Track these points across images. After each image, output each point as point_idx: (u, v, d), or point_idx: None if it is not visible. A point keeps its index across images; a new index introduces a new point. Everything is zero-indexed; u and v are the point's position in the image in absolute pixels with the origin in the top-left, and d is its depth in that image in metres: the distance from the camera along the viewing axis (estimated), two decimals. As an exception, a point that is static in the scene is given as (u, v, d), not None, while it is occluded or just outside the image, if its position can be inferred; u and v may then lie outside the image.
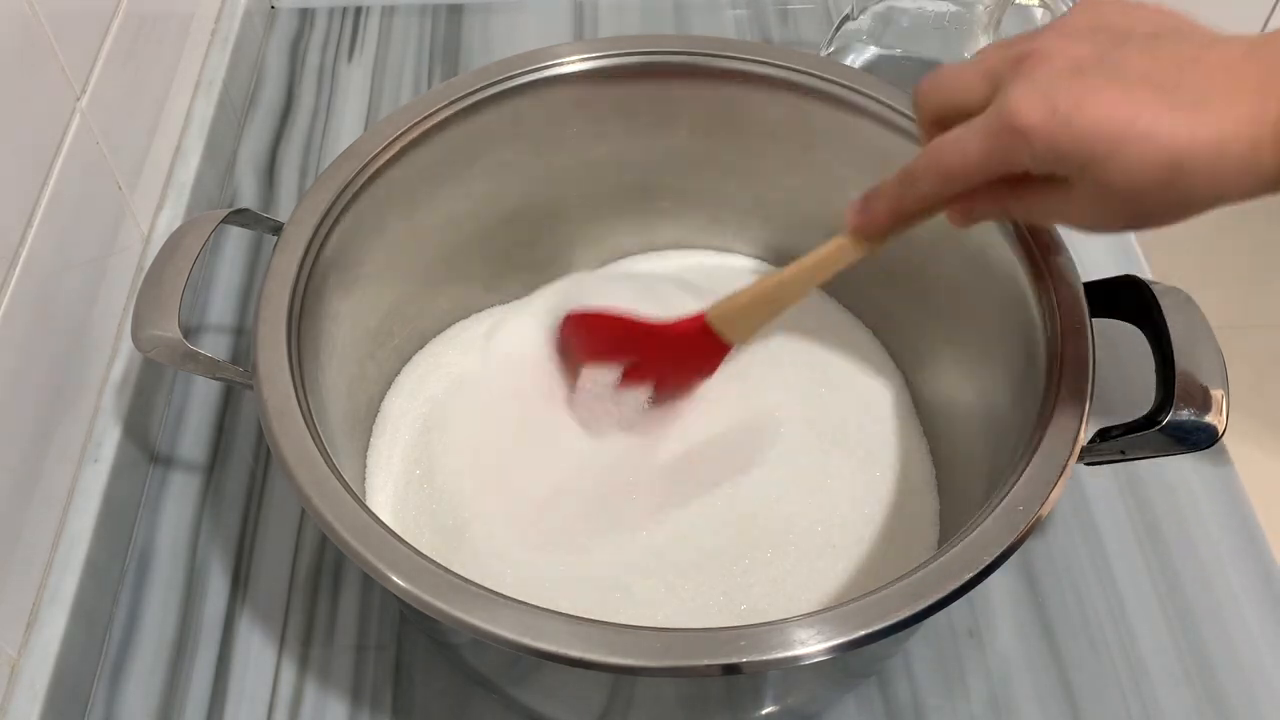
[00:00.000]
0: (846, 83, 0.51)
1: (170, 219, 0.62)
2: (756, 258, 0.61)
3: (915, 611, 0.35)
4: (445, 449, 0.52)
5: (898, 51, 0.64)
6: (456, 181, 0.53)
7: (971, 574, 0.36)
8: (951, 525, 0.49)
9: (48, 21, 0.49)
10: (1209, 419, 0.40)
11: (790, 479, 0.50)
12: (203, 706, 0.50)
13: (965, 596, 0.35)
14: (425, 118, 0.49)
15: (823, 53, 0.67)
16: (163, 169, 0.63)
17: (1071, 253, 0.44)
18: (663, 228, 0.61)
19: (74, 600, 0.49)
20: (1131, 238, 0.66)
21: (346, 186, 0.47)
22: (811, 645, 0.34)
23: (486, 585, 0.36)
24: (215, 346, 0.62)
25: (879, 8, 0.64)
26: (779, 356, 0.54)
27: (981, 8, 0.62)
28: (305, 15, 0.80)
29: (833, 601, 0.41)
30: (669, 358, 0.50)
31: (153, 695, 0.50)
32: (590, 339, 0.52)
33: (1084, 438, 0.40)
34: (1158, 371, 0.42)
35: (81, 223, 0.53)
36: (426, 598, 0.35)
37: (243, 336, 0.63)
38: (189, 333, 0.57)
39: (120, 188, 0.57)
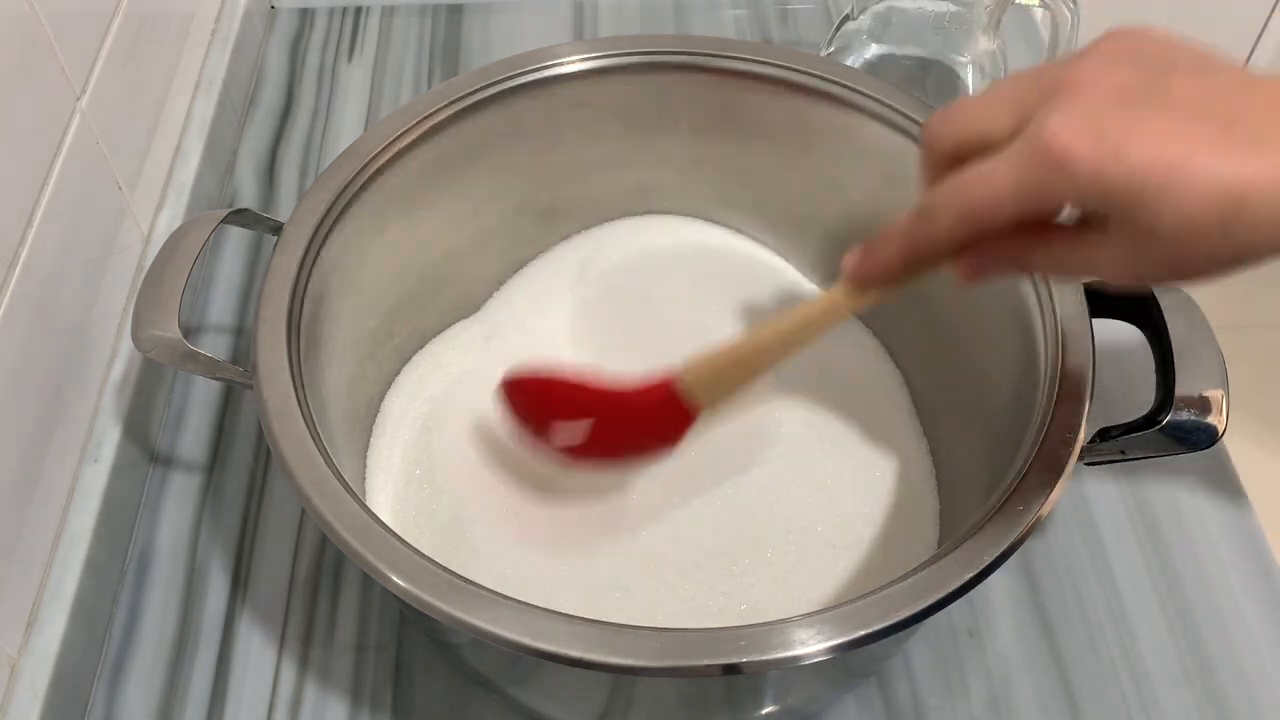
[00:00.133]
0: (846, 83, 0.51)
1: (170, 219, 0.62)
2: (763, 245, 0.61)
3: (915, 611, 0.35)
4: (445, 449, 0.52)
5: (898, 51, 0.64)
6: (456, 181, 0.53)
7: (971, 574, 0.36)
8: (951, 525, 0.49)
9: (48, 21, 0.49)
10: (1209, 419, 0.40)
11: (790, 479, 0.50)
12: (203, 706, 0.50)
13: (965, 596, 0.35)
14: (425, 118, 0.49)
15: (823, 53, 0.67)
16: (163, 169, 0.63)
17: (1071, 253, 0.44)
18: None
19: (74, 600, 0.49)
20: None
21: (346, 186, 0.47)
22: (811, 645, 0.34)
23: (486, 585, 0.36)
24: (215, 346, 0.62)
25: (879, 8, 0.64)
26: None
27: (981, 8, 0.61)
28: (305, 15, 0.80)
29: (833, 601, 0.41)
30: (627, 424, 0.46)
31: (153, 695, 0.50)
32: (541, 405, 0.48)
33: (1084, 438, 0.40)
34: (1158, 371, 0.42)
35: (81, 223, 0.53)
36: (426, 598, 0.35)
37: (243, 336, 0.63)
38: (189, 333, 0.57)
39: (120, 188, 0.57)
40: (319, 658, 0.51)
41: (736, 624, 0.35)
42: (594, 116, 0.54)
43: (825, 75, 0.51)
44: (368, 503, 0.44)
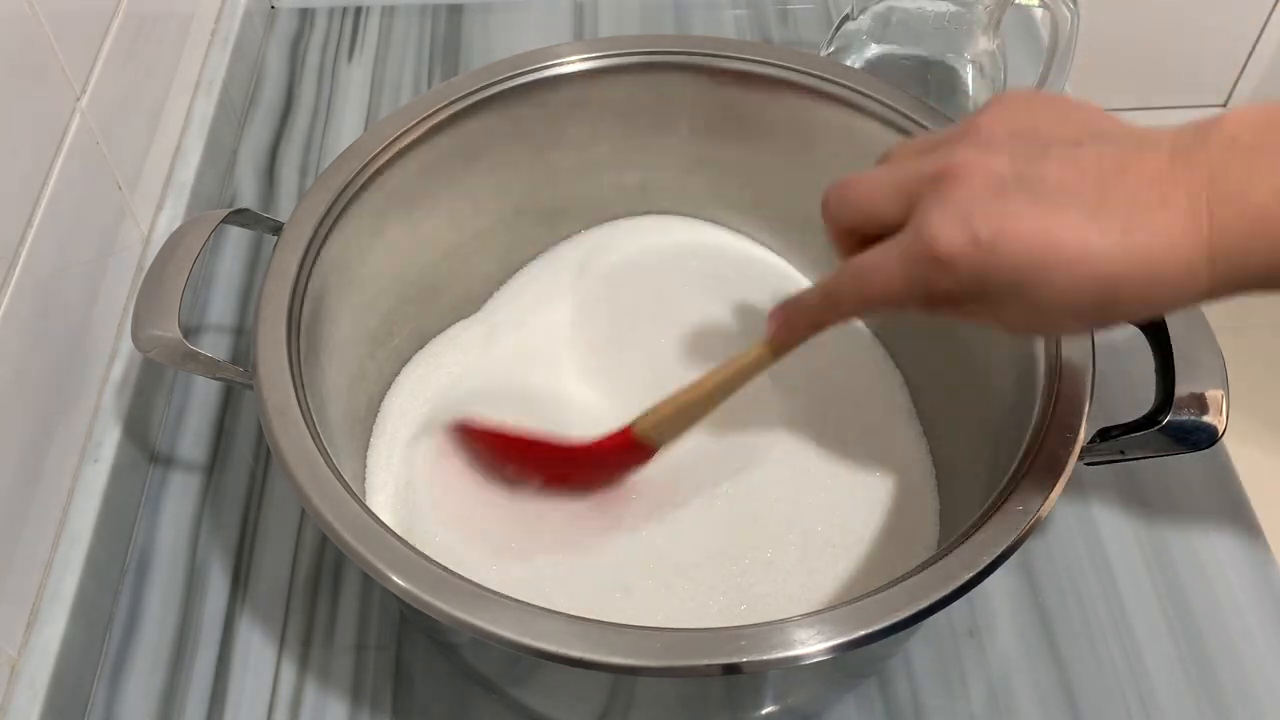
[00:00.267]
0: (846, 83, 0.51)
1: (170, 219, 0.62)
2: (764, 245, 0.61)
3: (915, 611, 0.35)
4: (446, 449, 0.52)
5: (898, 51, 0.64)
6: (456, 181, 0.53)
7: (971, 574, 0.36)
8: (951, 525, 0.49)
9: (48, 21, 0.49)
10: (1209, 419, 0.40)
11: (790, 479, 0.50)
12: (203, 706, 0.50)
13: (965, 596, 0.35)
14: (425, 118, 0.49)
15: (823, 53, 0.67)
16: (163, 169, 0.63)
17: (1071, 253, 0.44)
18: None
19: (74, 600, 0.49)
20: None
21: (346, 186, 0.47)
22: (811, 645, 0.34)
23: (486, 585, 0.36)
24: (215, 346, 0.62)
25: (879, 8, 0.64)
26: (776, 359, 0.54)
27: (981, 8, 0.61)
28: (305, 15, 0.80)
29: (833, 601, 0.41)
30: (589, 469, 0.49)
31: (153, 695, 0.50)
32: (497, 457, 0.50)
33: (1084, 438, 0.40)
34: (1158, 371, 0.42)
35: (81, 223, 0.53)
36: (426, 598, 0.35)
37: (243, 336, 0.63)
38: (189, 333, 0.57)
39: (120, 188, 0.57)
40: (319, 658, 0.51)
41: (736, 624, 0.35)
42: (594, 116, 0.54)
43: (825, 75, 0.51)
44: (368, 503, 0.44)
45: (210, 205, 0.67)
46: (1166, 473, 0.57)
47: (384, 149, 0.48)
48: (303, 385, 0.42)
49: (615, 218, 0.60)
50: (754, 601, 0.47)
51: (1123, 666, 0.51)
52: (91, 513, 0.51)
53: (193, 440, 0.58)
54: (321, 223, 0.46)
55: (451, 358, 0.56)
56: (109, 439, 0.53)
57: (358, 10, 0.80)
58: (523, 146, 0.54)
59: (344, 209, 0.47)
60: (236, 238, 0.67)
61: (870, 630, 0.35)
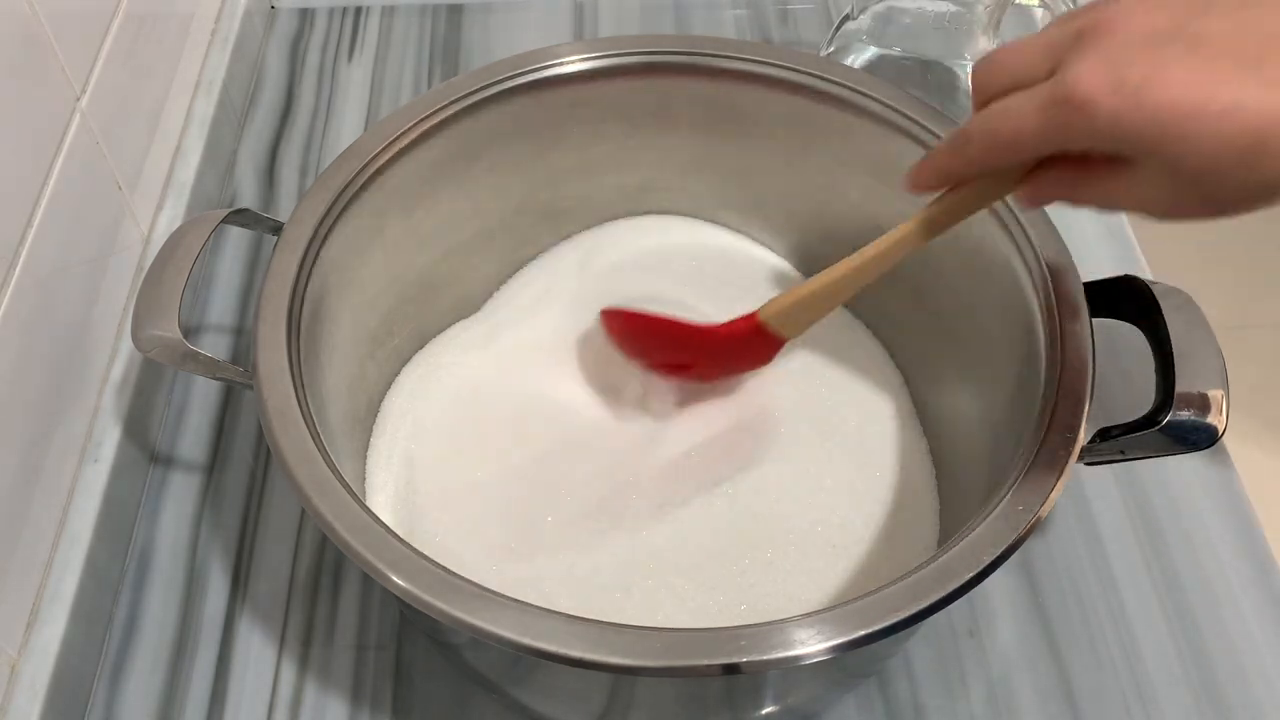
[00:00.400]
0: (846, 83, 0.51)
1: (170, 219, 0.62)
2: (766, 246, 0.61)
3: (915, 611, 0.35)
4: (445, 450, 0.52)
5: (898, 51, 0.64)
6: (456, 181, 0.53)
7: (971, 574, 0.36)
8: (951, 525, 0.49)
9: (48, 21, 0.49)
10: (1209, 419, 0.40)
11: (790, 479, 0.50)
12: (203, 706, 0.50)
13: (965, 596, 0.35)
14: (425, 118, 0.49)
15: (823, 53, 0.67)
16: (163, 169, 0.63)
17: (1071, 253, 0.44)
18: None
19: (74, 600, 0.49)
20: (1132, 237, 0.66)
21: (346, 186, 0.47)
22: (811, 645, 0.34)
23: (486, 585, 0.36)
24: (215, 346, 0.62)
25: (879, 8, 0.64)
26: (779, 356, 0.54)
27: (981, 8, 0.61)
28: (305, 15, 0.80)
29: (833, 601, 0.41)
30: (720, 356, 0.50)
31: (153, 695, 0.50)
32: (636, 339, 0.52)
33: (1084, 438, 0.40)
34: (1158, 371, 0.42)
35: (81, 223, 0.53)
36: (426, 598, 0.35)
37: (243, 336, 0.63)
38: (189, 333, 0.57)
39: (120, 188, 0.57)
40: (319, 658, 0.51)
41: (736, 624, 0.35)
42: (594, 116, 0.54)
43: (825, 75, 0.51)
44: (368, 503, 0.44)
45: (210, 205, 0.67)
46: (1166, 473, 0.57)
47: (384, 149, 0.48)
48: (303, 385, 0.42)
49: (615, 218, 0.60)
50: (754, 601, 0.47)
51: (1123, 666, 0.51)
52: (91, 513, 0.51)
53: (193, 440, 0.58)
54: (321, 223, 0.46)
55: (451, 358, 0.56)
56: (109, 439, 0.53)
57: (358, 10, 0.80)
58: (523, 146, 0.54)
59: (344, 209, 0.47)
60: (236, 238, 0.67)
61: (870, 630, 0.35)
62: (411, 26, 0.79)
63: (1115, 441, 0.41)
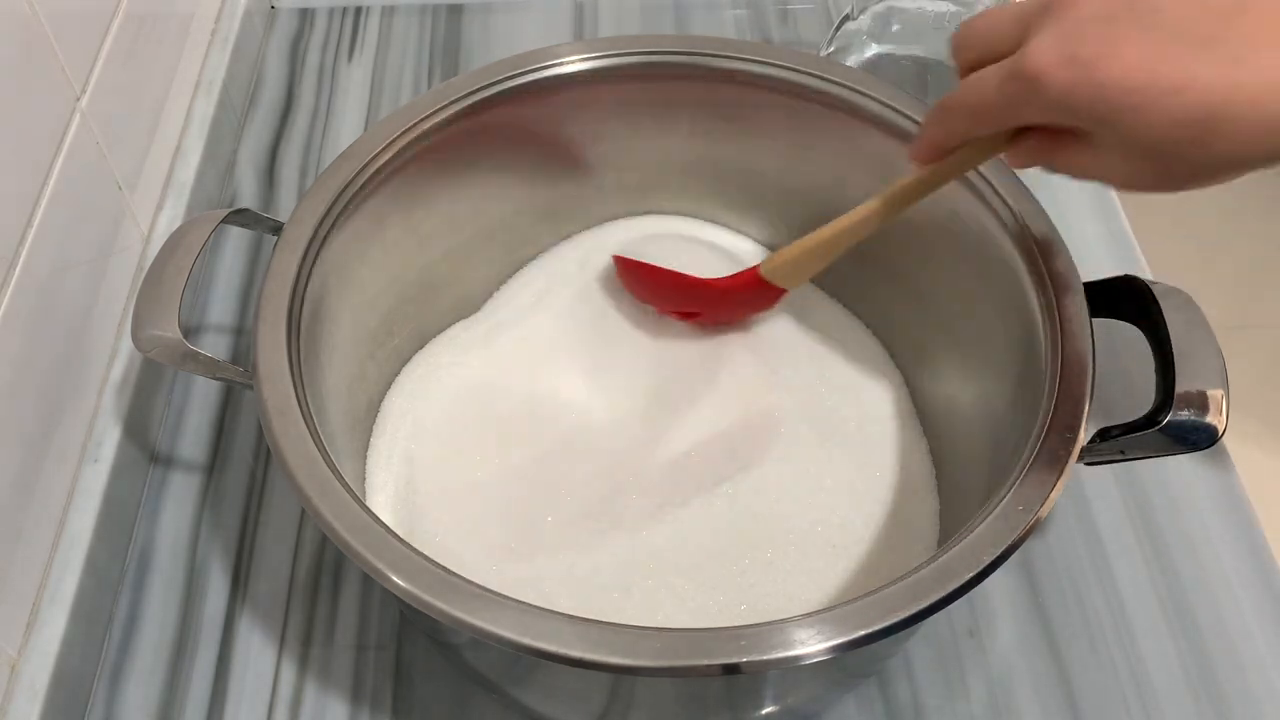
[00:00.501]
0: (846, 83, 0.51)
1: (170, 219, 0.62)
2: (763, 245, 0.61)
3: (915, 611, 0.35)
4: (445, 450, 0.52)
5: (898, 51, 0.64)
6: (456, 181, 0.53)
7: (971, 574, 0.36)
8: (951, 525, 0.49)
9: (48, 21, 0.49)
10: (1209, 419, 0.40)
11: (790, 479, 0.50)
12: (203, 706, 0.50)
13: (965, 596, 0.35)
14: (425, 118, 0.49)
15: (823, 53, 0.67)
16: (163, 169, 0.63)
17: (1071, 253, 0.44)
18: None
19: (74, 600, 0.49)
20: (1131, 237, 0.66)
21: (346, 186, 0.47)
22: (811, 645, 0.34)
23: (486, 585, 0.36)
24: (215, 346, 0.62)
25: (879, 8, 0.64)
26: (779, 356, 0.54)
27: (981, 8, 0.62)
28: (305, 15, 0.80)
29: (833, 601, 0.41)
30: (724, 305, 0.53)
31: (153, 695, 0.50)
32: (647, 285, 0.54)
33: (1084, 438, 0.40)
34: (1158, 371, 0.42)
35: (81, 223, 0.53)
36: (426, 598, 0.35)
37: (243, 336, 0.63)
38: (189, 333, 0.57)
39: (120, 188, 0.57)
40: (319, 658, 0.51)
41: (736, 624, 0.35)
42: (594, 116, 0.54)
43: (825, 75, 0.51)
44: (368, 503, 0.44)
45: (210, 205, 0.67)
46: (1166, 473, 0.57)
47: (384, 149, 0.48)
48: (303, 385, 0.42)
49: (615, 218, 0.60)
50: (754, 601, 0.47)
51: (1123, 666, 0.51)
52: (91, 513, 0.51)
53: (193, 440, 0.58)
54: (321, 223, 0.46)
55: (451, 358, 0.56)
56: (109, 439, 0.53)
57: (358, 10, 0.80)
58: (523, 146, 0.54)
59: (344, 209, 0.47)
60: (236, 238, 0.67)
61: (870, 630, 0.35)
62: (411, 26, 0.79)
63: (1115, 441, 0.41)
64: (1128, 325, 0.44)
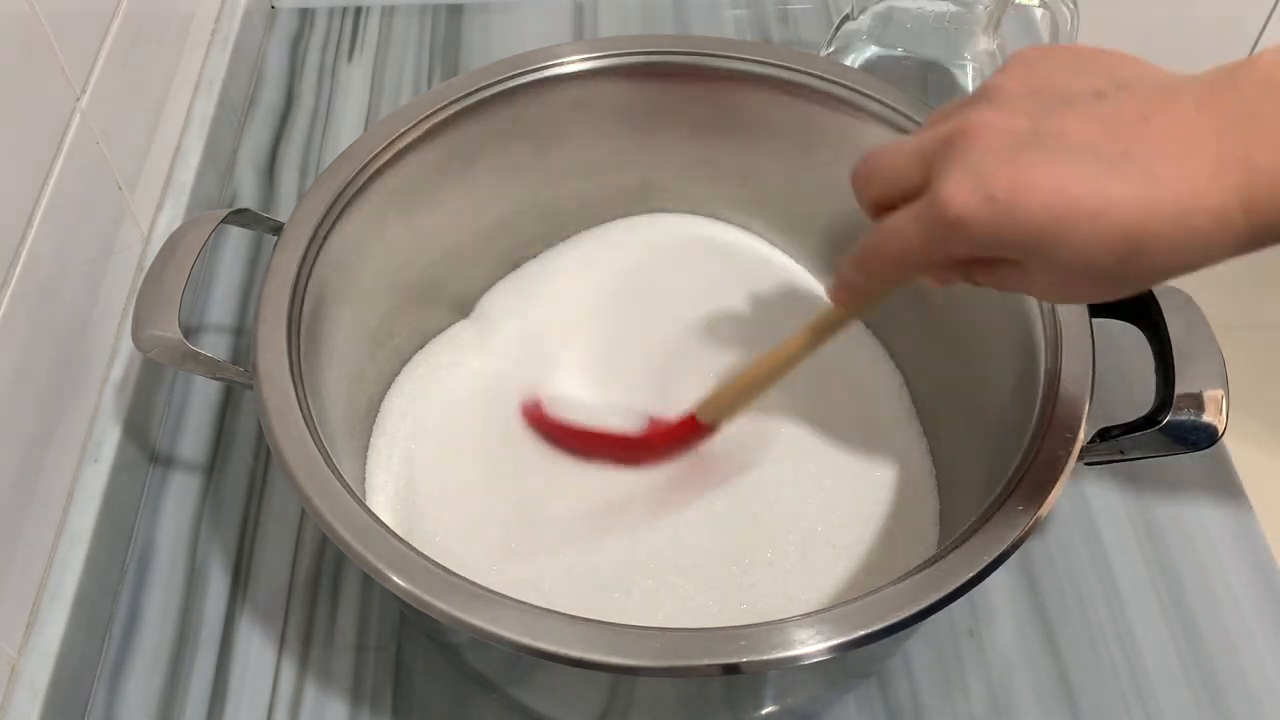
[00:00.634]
0: (846, 83, 0.51)
1: (170, 219, 0.62)
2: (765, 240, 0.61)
3: (915, 611, 0.35)
4: (445, 450, 0.52)
5: (898, 51, 0.64)
6: (456, 181, 0.53)
7: (971, 574, 0.36)
8: (951, 525, 0.49)
9: (48, 21, 0.49)
10: (1209, 419, 0.40)
11: (790, 479, 0.50)
12: (203, 706, 0.50)
13: (965, 596, 0.35)
14: (425, 118, 0.49)
15: (823, 53, 0.67)
16: (163, 169, 0.63)
17: (1071, 253, 0.44)
18: (663, 228, 0.61)
19: (74, 600, 0.49)
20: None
21: (346, 186, 0.47)
22: (811, 645, 0.34)
23: (486, 585, 0.36)
24: (215, 346, 0.62)
25: (879, 8, 0.64)
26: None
27: (981, 8, 0.61)
28: (305, 15, 0.80)
29: (833, 601, 0.41)
30: (656, 453, 0.51)
31: (153, 695, 0.50)
32: (573, 443, 0.52)
33: (1084, 438, 0.40)
34: (1158, 371, 0.42)
35: (81, 223, 0.53)
36: (426, 598, 0.35)
37: (243, 336, 0.63)
38: (189, 333, 0.57)
39: (120, 188, 0.57)
40: (319, 658, 0.51)
41: (736, 624, 0.35)
42: (594, 116, 0.54)
43: (825, 75, 0.51)
44: (368, 503, 0.44)
45: (210, 205, 0.67)
46: (1166, 473, 0.57)
47: (384, 149, 0.48)
48: (303, 385, 0.42)
49: (615, 218, 0.60)
50: (754, 601, 0.47)
51: (1123, 666, 0.51)
52: (91, 513, 0.51)
53: (193, 440, 0.58)
54: (321, 223, 0.46)
55: (451, 357, 0.56)
56: (109, 439, 0.53)
57: (358, 10, 0.80)
58: (523, 146, 0.54)
59: (344, 209, 0.47)
60: (236, 238, 0.67)
61: (870, 630, 0.35)
62: (411, 26, 0.79)
63: (1115, 441, 0.41)
64: (1128, 325, 0.44)
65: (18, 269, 0.46)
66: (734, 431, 0.51)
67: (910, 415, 0.54)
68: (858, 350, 0.56)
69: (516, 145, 0.53)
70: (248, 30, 0.75)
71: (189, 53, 0.68)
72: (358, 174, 0.48)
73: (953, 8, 0.62)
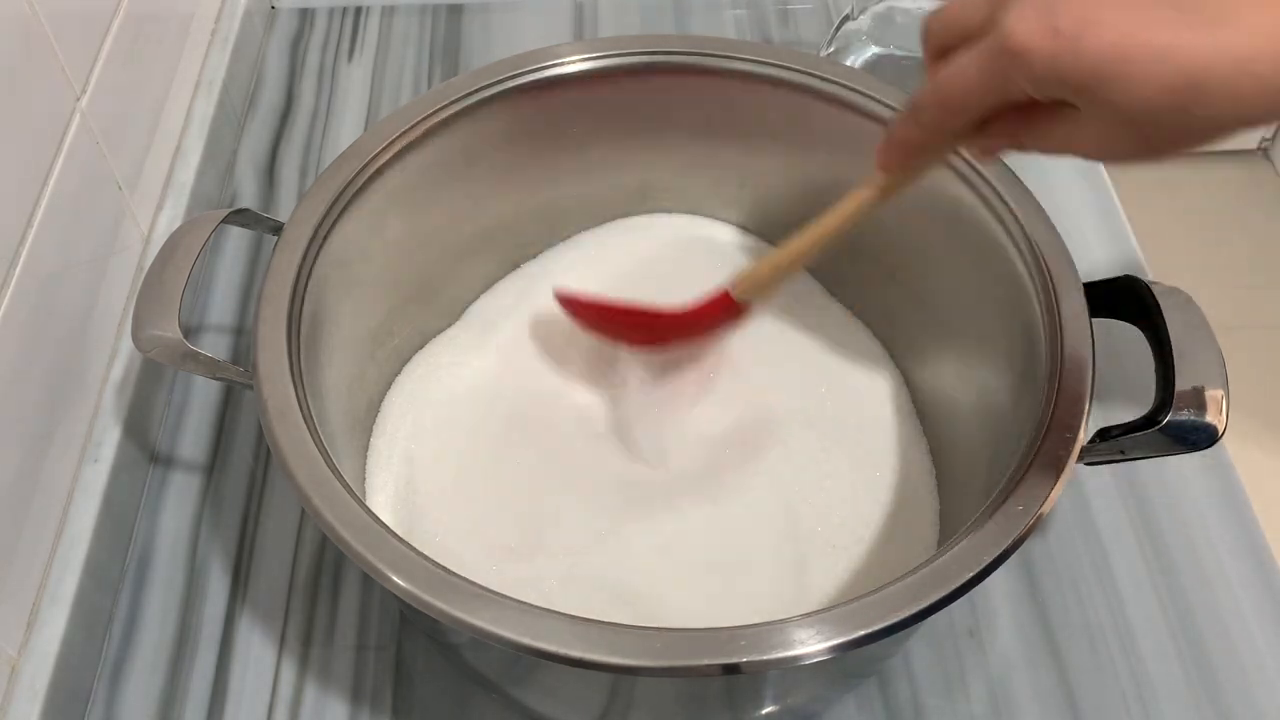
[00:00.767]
0: (846, 83, 0.51)
1: (170, 219, 0.62)
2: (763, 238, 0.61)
3: (915, 611, 0.35)
4: (445, 450, 0.52)
5: (898, 51, 0.64)
6: (456, 181, 0.53)
7: (971, 574, 0.36)
8: (951, 525, 0.49)
9: (48, 21, 0.49)
10: (1209, 419, 0.40)
11: (790, 479, 0.50)
12: (203, 706, 0.50)
13: (965, 596, 0.35)
14: (425, 118, 0.49)
15: (823, 53, 0.67)
16: (163, 169, 0.63)
17: (1071, 253, 0.44)
18: (663, 228, 0.61)
19: (74, 600, 0.49)
20: (1131, 238, 0.66)
21: (346, 186, 0.47)
22: (811, 645, 0.34)
23: (486, 585, 0.36)
24: (215, 346, 0.62)
25: (879, 8, 0.64)
26: (779, 356, 0.54)
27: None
28: (305, 15, 0.80)
29: (833, 601, 0.41)
30: (691, 333, 0.51)
31: (153, 695, 0.50)
32: (601, 324, 0.52)
33: (1084, 438, 0.40)
34: (1158, 371, 0.42)
35: (81, 223, 0.53)
36: (426, 598, 0.35)
37: (243, 336, 0.63)
38: (189, 333, 0.57)
39: (120, 188, 0.57)
40: (319, 658, 0.51)
41: (736, 624, 0.35)
42: (594, 116, 0.54)
43: (825, 75, 0.51)
44: (368, 503, 0.44)
45: (210, 205, 0.67)
46: (1166, 473, 0.57)
47: (384, 149, 0.48)
48: (303, 385, 0.42)
49: (615, 218, 0.60)
50: (754, 601, 0.47)
51: (1123, 666, 0.51)
52: (91, 513, 0.51)
53: (193, 440, 0.58)
54: (321, 223, 0.46)
55: (451, 358, 0.56)
56: (109, 439, 0.53)
57: (358, 10, 0.80)
58: (523, 146, 0.54)
59: (344, 209, 0.47)
60: (236, 238, 0.67)
61: (870, 630, 0.35)
62: (411, 26, 0.79)
63: (1115, 441, 0.41)
64: (1128, 325, 0.44)
65: (18, 269, 0.46)
66: (734, 432, 0.51)
67: (910, 415, 0.54)
68: (858, 350, 0.56)
69: (516, 145, 0.53)
70: (248, 30, 0.75)
71: (189, 53, 0.68)
72: (358, 174, 0.48)
73: (953, 8, 0.62)
